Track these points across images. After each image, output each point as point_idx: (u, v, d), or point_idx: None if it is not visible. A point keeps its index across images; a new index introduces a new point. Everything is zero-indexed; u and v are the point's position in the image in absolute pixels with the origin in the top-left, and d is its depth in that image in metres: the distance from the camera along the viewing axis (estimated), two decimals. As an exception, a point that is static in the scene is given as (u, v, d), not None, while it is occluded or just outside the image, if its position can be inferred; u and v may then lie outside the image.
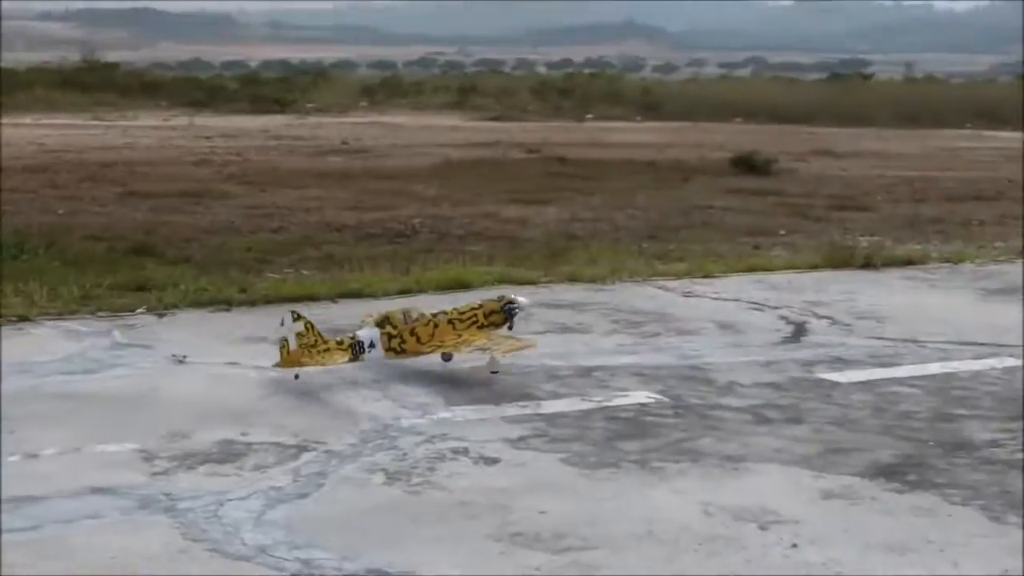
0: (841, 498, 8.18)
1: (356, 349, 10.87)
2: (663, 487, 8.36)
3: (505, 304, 11.44)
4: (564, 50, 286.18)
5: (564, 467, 8.73)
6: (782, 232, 20.96)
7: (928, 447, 9.28)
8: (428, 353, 11.14)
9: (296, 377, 10.68)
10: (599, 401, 10.33)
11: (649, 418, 9.90)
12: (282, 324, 10.81)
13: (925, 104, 67.05)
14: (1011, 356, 12.25)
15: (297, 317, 10.80)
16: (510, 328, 11.43)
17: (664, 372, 11.31)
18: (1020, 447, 9.32)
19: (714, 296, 15.12)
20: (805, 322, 13.68)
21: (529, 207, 23.32)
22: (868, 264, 17.30)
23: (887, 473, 8.65)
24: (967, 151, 42.92)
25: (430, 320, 11.20)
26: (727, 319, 13.79)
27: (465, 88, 72.66)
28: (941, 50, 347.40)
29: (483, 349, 11.01)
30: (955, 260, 18.05)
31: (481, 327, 11.25)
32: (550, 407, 10.16)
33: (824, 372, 11.48)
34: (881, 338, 12.99)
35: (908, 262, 17.76)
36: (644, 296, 15.04)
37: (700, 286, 15.69)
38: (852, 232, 20.72)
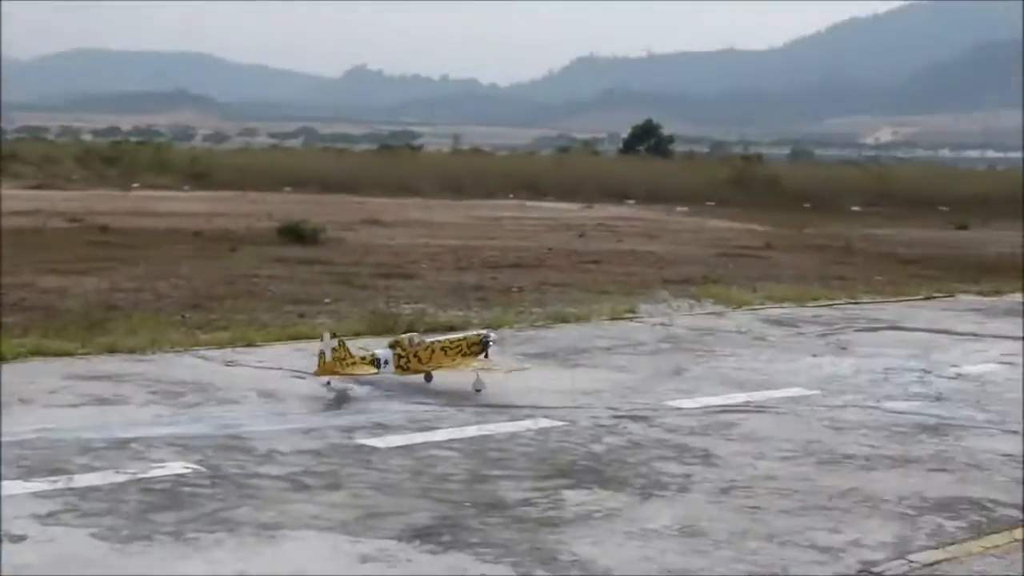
0: (378, 561, 8.19)
1: (376, 364, 13.49)
2: (197, 558, 8.16)
3: (483, 338, 14.49)
4: (112, 118, 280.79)
5: (95, 542, 8.41)
6: (327, 300, 21.03)
7: (463, 508, 9.42)
8: (426, 371, 13.83)
9: (328, 384, 13.35)
10: (134, 473, 10.02)
11: (185, 489, 9.67)
12: (322, 340, 13.34)
13: (471, 175, 69.02)
14: (546, 418, 12.62)
15: (333, 335, 13.43)
16: (486, 356, 14.31)
17: (202, 442, 11.10)
18: (551, 505, 9.59)
19: (257, 364, 15.00)
20: (347, 389, 13.71)
21: (68, 277, 22.61)
22: (411, 330, 17.50)
23: (423, 535, 8.72)
24: (510, 220, 44.42)
25: (429, 346, 14.00)
26: (269, 387, 13.68)
27: (4, 155, 70.21)
28: (487, 123, 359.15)
29: (486, 369, 13.99)
30: (495, 326, 18.49)
31: (465, 354, 14.13)
32: (82, 481, 9.78)
33: (364, 438, 11.51)
34: (422, 403, 13.16)
35: (450, 328, 18.05)
36: (185, 366, 14.76)
37: (243, 355, 15.54)
38: (397, 300, 21.00)
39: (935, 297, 25.07)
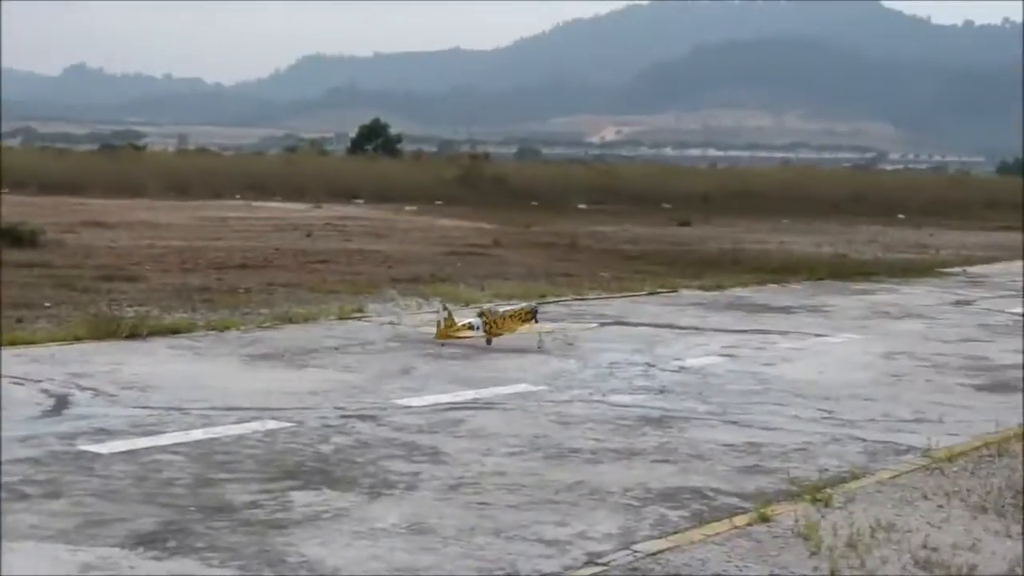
0: (100, 570, 7.97)
1: (472, 328, 17.36)
2: (-93, 575, 7.82)
3: (533, 309, 18.81)
4: None
5: None
6: (47, 305, 20.40)
7: (189, 513, 9.24)
8: (500, 335, 17.68)
9: (442, 344, 17.15)
10: None
11: None
12: (439, 312, 17.62)
13: (197, 175, 67.99)
14: (273, 419, 12.49)
15: (444, 307, 17.73)
16: (536, 322, 18.36)
17: (-87, 453, 10.64)
18: (279, 507, 9.48)
19: (-28, 371, 14.46)
20: (68, 395, 13.36)
21: None
22: (134, 334, 17.16)
23: (147, 542, 8.52)
24: (236, 221, 43.89)
25: (501, 315, 17.95)
26: (-15, 395, 13.21)
27: None
28: (213, 123, 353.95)
29: (563, 330, 18.97)
30: (221, 328, 18.28)
31: (524, 321, 18.18)
32: None
33: (86, 444, 11.21)
34: (146, 407, 12.89)
35: (175, 331, 17.81)
36: None
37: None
38: (120, 303, 20.53)
39: (659, 292, 25.66)
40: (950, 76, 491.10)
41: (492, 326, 17.58)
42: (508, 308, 18.53)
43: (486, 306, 18.68)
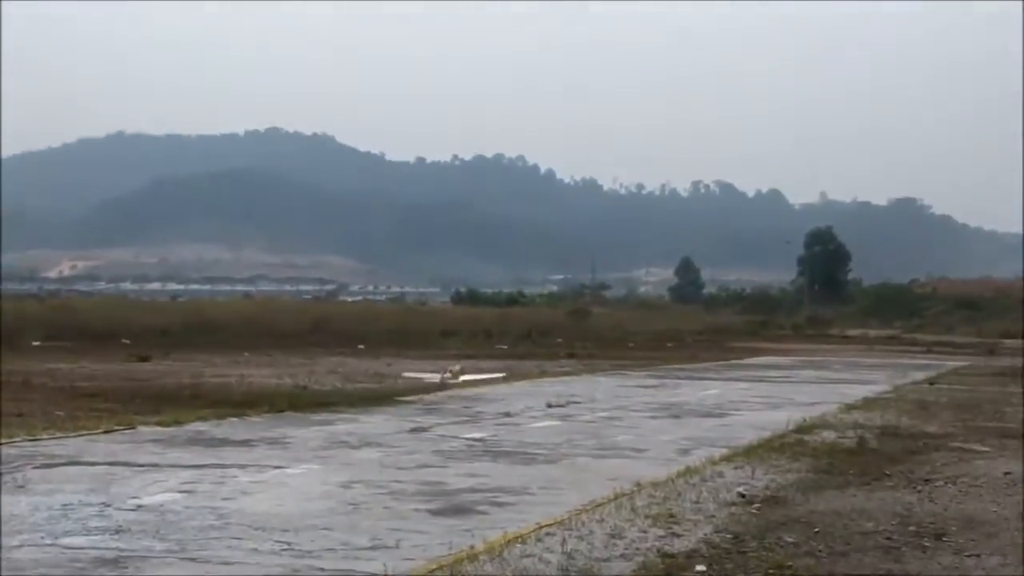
0: None
1: (457, 379, 38.72)
2: None
3: (463, 368, 39.98)
4: None
5: None
6: None
7: None
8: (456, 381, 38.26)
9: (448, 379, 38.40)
10: None
11: None
12: (451, 370, 39.38)
13: None
14: None
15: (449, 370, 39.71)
16: (464, 374, 39.33)
17: None
18: None
19: None
20: None
21: None
22: None
23: None
24: None
25: (457, 372, 39.51)
26: None
27: None
28: None
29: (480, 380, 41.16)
30: None
31: (463, 374, 38.93)
32: None
33: None
34: None
35: None
36: None
37: None
38: None
39: (116, 430, 25.06)
40: (404, 210, 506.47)
41: (458, 376, 38.37)
42: (457, 368, 38.89)
43: (458, 367, 39.76)
